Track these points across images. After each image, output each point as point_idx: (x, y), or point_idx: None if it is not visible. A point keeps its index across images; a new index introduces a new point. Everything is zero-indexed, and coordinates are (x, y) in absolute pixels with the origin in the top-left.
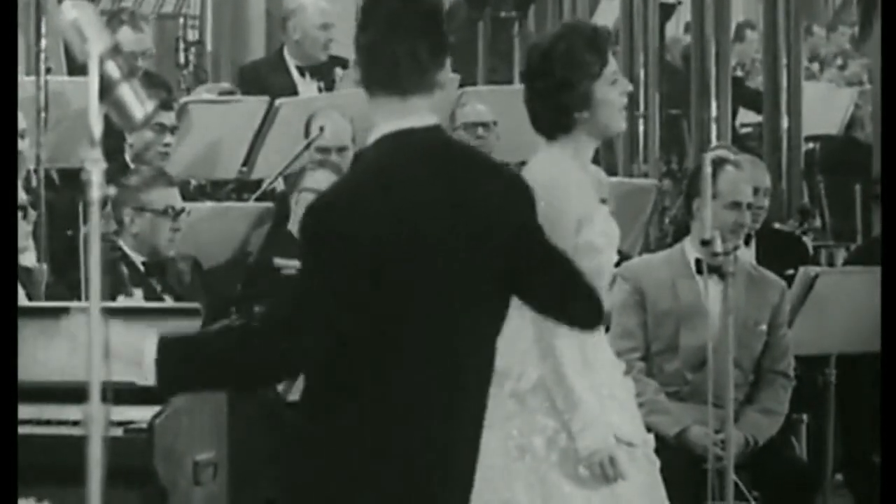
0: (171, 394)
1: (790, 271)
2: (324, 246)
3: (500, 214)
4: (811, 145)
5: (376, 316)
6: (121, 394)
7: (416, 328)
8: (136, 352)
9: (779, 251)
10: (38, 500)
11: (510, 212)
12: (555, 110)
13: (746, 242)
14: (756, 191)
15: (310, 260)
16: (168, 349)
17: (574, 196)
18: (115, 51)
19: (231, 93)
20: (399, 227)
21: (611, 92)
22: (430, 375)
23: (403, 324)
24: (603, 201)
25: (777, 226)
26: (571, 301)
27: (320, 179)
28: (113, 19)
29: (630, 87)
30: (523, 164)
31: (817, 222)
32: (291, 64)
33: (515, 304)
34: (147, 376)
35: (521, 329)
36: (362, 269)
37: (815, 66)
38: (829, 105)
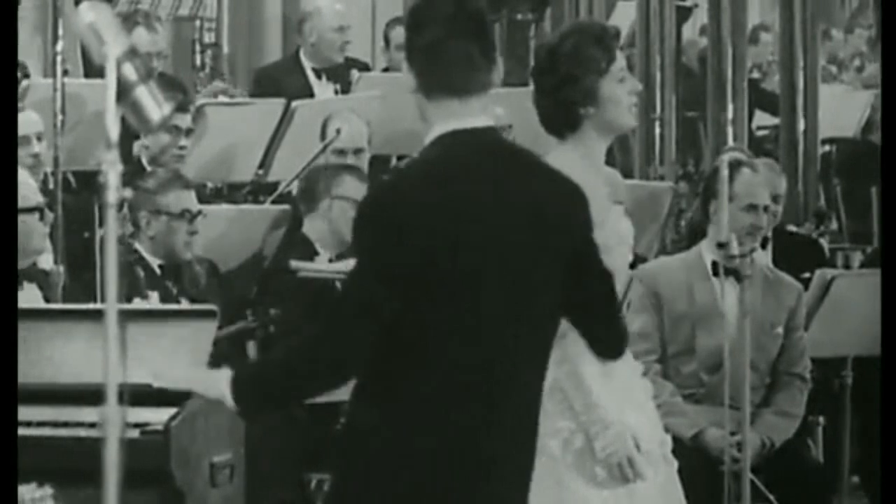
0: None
1: (806, 274)
2: (377, 234)
3: (555, 218)
4: (827, 148)
5: (426, 308)
6: (137, 396)
7: (467, 322)
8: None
9: (795, 254)
10: (40, 485)
11: (565, 217)
12: (561, 106)
13: (763, 246)
14: (772, 197)
15: (363, 248)
16: (239, 384)
17: None
18: (132, 53)
19: (225, 92)
20: (453, 221)
21: (618, 89)
22: (479, 369)
23: (453, 318)
24: (619, 203)
25: (792, 228)
26: (603, 326)
27: (351, 187)
28: (128, 20)
29: (640, 87)
30: None
31: (833, 225)
32: (307, 66)
33: None
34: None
35: None
36: (413, 261)
37: (834, 69)
38: (845, 107)
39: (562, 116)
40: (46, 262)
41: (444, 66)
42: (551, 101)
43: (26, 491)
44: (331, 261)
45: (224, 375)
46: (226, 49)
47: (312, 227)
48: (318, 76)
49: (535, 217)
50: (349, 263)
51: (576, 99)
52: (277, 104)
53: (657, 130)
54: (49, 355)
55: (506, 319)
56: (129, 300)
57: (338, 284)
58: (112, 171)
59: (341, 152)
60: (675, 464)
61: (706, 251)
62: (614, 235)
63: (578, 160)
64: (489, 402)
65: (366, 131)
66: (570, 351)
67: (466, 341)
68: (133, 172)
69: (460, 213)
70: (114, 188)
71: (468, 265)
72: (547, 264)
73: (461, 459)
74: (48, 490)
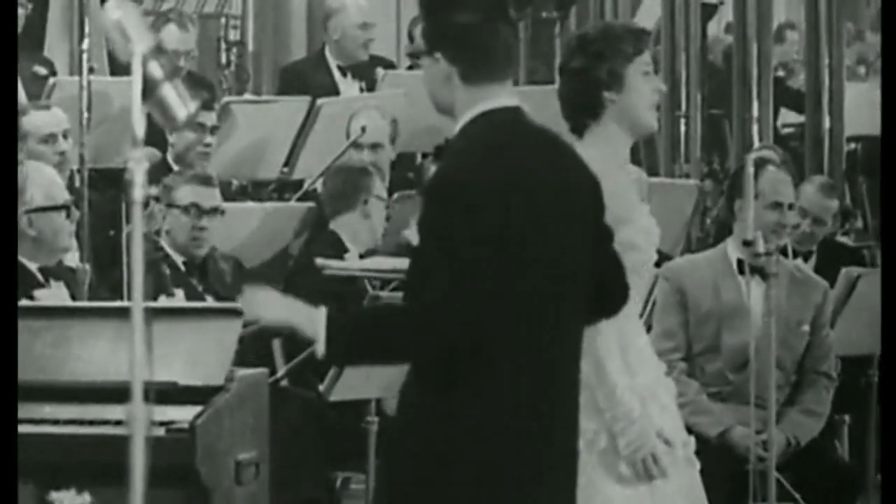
0: (342, 365)
1: None
2: (458, 215)
3: (587, 196)
4: (853, 146)
5: (499, 287)
6: (163, 394)
7: (531, 302)
8: (311, 328)
9: (839, 265)
10: (79, 492)
11: (590, 194)
12: (586, 87)
13: (806, 258)
14: (817, 219)
15: (442, 233)
16: (335, 327)
17: (610, 195)
18: (159, 50)
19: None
20: (515, 198)
21: (642, 82)
22: (539, 353)
23: (521, 297)
24: (645, 202)
25: (841, 239)
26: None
27: (382, 188)
28: (160, 17)
29: (664, 87)
30: None
31: (859, 223)
32: (333, 64)
33: None
34: (319, 350)
35: None
36: (490, 240)
37: (862, 69)
38: (870, 105)
39: (586, 100)
40: (73, 259)
41: (485, 50)
42: (577, 83)
43: (65, 497)
44: (361, 257)
45: (321, 315)
46: (251, 46)
47: (345, 224)
48: (344, 74)
49: (570, 194)
50: (376, 261)
51: (601, 79)
52: (303, 102)
53: (682, 128)
54: (76, 353)
55: (559, 298)
56: (154, 298)
57: (367, 283)
58: (138, 169)
59: (358, 146)
60: (698, 465)
61: (732, 249)
62: (642, 234)
63: (600, 156)
64: (547, 388)
65: (387, 128)
66: (595, 346)
67: (532, 322)
68: (159, 170)
69: (520, 189)
70: (140, 186)
71: (529, 242)
72: (581, 242)
73: (524, 450)
74: (87, 498)
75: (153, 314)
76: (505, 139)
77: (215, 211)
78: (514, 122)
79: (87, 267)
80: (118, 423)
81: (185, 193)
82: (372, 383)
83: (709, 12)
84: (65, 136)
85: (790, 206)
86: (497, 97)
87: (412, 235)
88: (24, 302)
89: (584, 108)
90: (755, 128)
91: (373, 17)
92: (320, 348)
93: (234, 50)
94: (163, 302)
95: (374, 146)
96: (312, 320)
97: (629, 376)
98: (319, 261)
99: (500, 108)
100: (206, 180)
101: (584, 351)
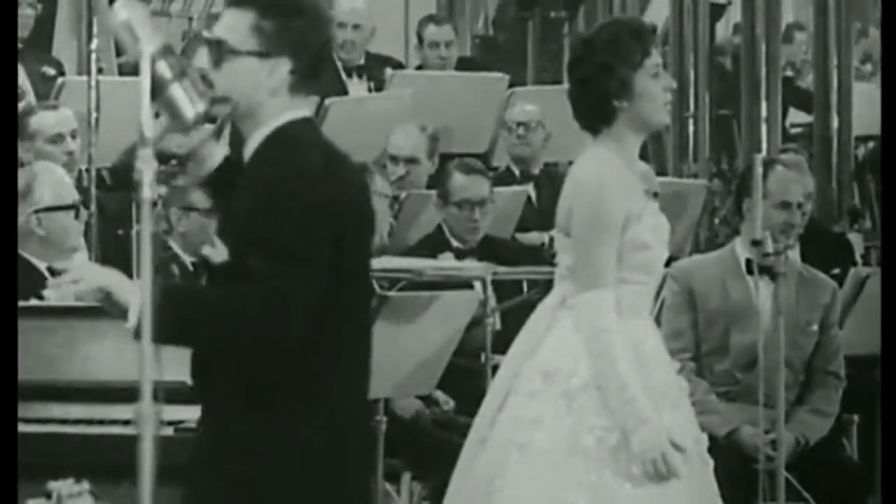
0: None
1: (836, 270)
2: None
3: None
4: (862, 146)
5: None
6: (172, 393)
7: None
8: (126, 294)
9: (823, 250)
10: (77, 481)
11: None
12: (595, 98)
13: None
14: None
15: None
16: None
17: (620, 194)
18: (167, 50)
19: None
20: (354, 199)
21: (652, 84)
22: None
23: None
24: (655, 195)
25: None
26: None
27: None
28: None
29: (674, 84)
30: (571, 163)
31: (868, 223)
32: (339, 64)
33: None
34: (132, 321)
35: (571, 328)
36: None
37: (869, 67)
38: (879, 105)
39: (596, 109)
40: (81, 258)
41: (324, 64)
42: (586, 93)
43: (63, 486)
44: None
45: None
46: None
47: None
48: (349, 74)
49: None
50: (383, 261)
51: (611, 90)
52: (310, 102)
53: (691, 128)
54: (84, 353)
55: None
56: None
57: (374, 284)
58: (147, 169)
59: (394, 159)
60: (711, 462)
61: (740, 249)
62: (652, 232)
63: (614, 157)
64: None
65: (425, 142)
66: (606, 345)
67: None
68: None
69: (355, 189)
70: (148, 185)
71: (358, 247)
72: None
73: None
74: (85, 485)
75: None
76: (331, 146)
77: None
78: (319, 134)
79: None
80: (127, 422)
81: (205, 196)
82: (380, 383)
83: (717, 12)
84: (73, 136)
85: (799, 206)
86: (303, 105)
87: (214, 252)
88: (32, 302)
89: (595, 115)
90: (764, 128)
91: (358, 17)
92: (132, 318)
93: None
94: None
95: (410, 160)
96: (128, 286)
97: (641, 376)
98: None
99: (301, 118)
100: None
101: (596, 350)
